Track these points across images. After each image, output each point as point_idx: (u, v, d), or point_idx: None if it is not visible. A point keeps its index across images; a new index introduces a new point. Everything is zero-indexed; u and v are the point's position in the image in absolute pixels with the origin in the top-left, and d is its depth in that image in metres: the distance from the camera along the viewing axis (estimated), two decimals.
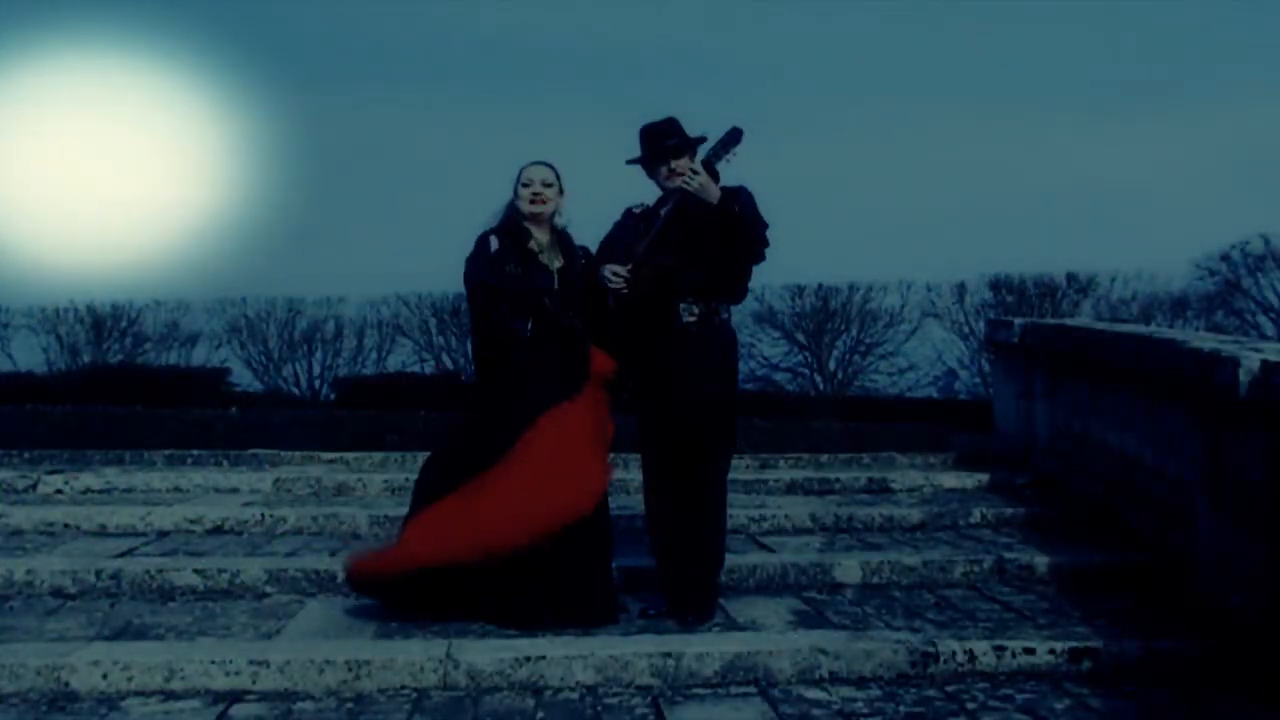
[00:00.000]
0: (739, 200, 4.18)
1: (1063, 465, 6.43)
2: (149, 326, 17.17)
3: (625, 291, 4.21)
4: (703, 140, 4.26)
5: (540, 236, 4.36)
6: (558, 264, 4.35)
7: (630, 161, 4.36)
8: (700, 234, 4.15)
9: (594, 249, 4.48)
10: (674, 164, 4.22)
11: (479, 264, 4.31)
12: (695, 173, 4.10)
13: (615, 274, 4.21)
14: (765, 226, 4.24)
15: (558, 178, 4.39)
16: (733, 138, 4.20)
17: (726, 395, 4.29)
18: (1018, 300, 16.81)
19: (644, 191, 4.45)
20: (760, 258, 4.29)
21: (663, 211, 4.27)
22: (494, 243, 4.31)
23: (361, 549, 4.81)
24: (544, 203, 4.34)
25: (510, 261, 4.28)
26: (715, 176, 4.19)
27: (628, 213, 4.43)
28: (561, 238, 4.42)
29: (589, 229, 4.53)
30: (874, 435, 8.59)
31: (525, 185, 4.34)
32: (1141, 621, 4.28)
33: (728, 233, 4.14)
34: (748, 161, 4.24)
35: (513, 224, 4.36)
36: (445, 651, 3.75)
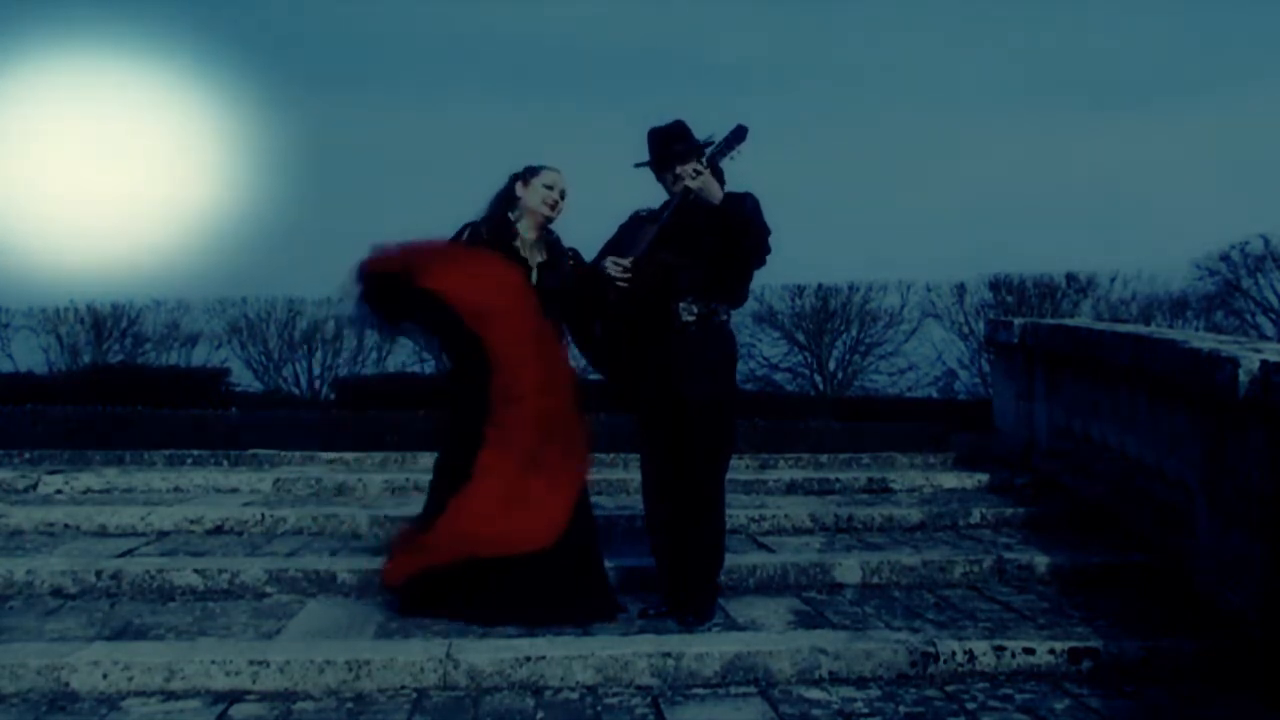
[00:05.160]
0: (743, 205, 4.18)
1: (1063, 465, 6.43)
2: (149, 326, 17.17)
3: (625, 286, 4.21)
4: (710, 144, 4.25)
5: (527, 234, 4.38)
6: (539, 259, 4.37)
7: (638, 165, 4.36)
8: (702, 234, 4.15)
9: (590, 251, 4.48)
10: (679, 168, 4.21)
11: None
12: (699, 172, 4.09)
13: (619, 265, 4.21)
14: (768, 233, 4.23)
15: None
16: (737, 135, 4.20)
17: (725, 395, 4.29)
18: (1018, 300, 16.81)
19: (645, 195, 4.46)
20: (761, 263, 4.29)
21: (666, 209, 4.27)
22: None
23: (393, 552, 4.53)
24: (559, 211, 4.40)
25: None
26: (719, 174, 4.19)
27: (634, 216, 4.43)
28: (548, 237, 4.43)
29: (584, 232, 4.56)
30: (874, 435, 8.59)
31: (549, 188, 4.37)
32: (1141, 621, 4.28)
33: (729, 235, 4.14)
34: (750, 161, 4.24)
35: (501, 218, 4.37)
36: (445, 651, 3.75)
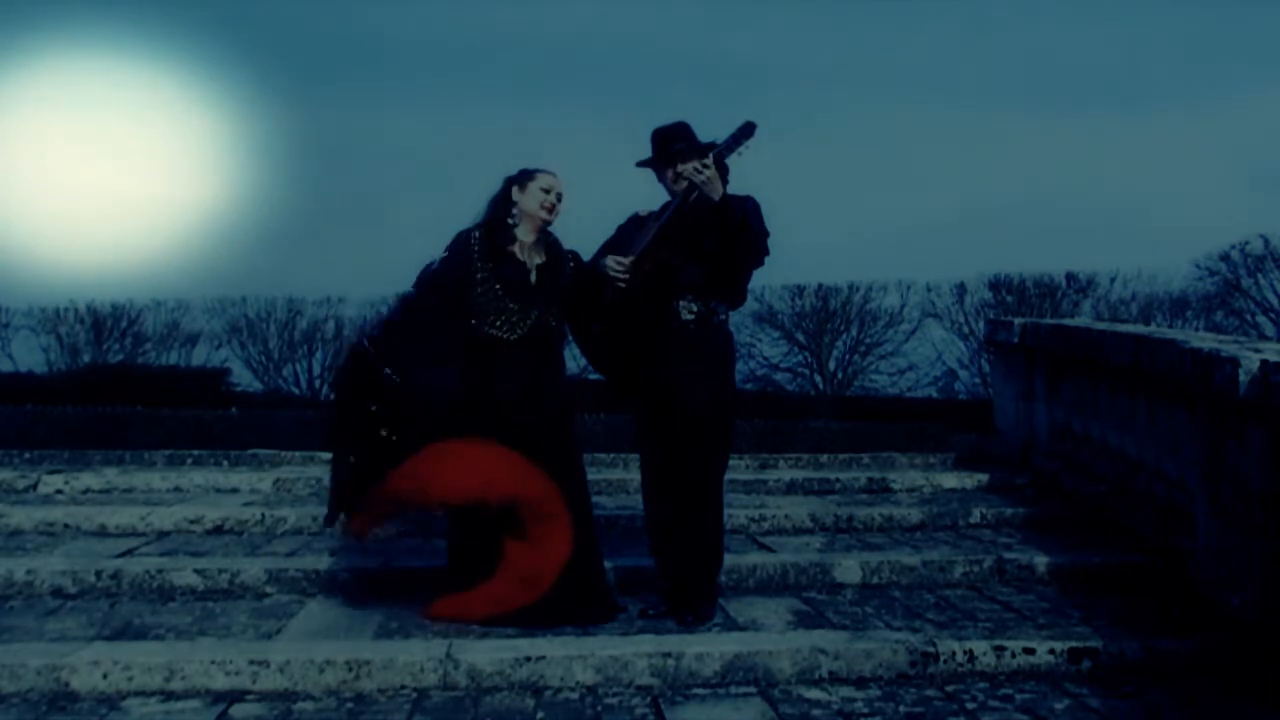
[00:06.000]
0: (744, 207, 4.18)
1: (1063, 465, 6.43)
2: (149, 326, 17.19)
3: (624, 284, 4.21)
4: (712, 146, 4.23)
5: (525, 237, 4.37)
6: (538, 261, 4.36)
7: (640, 164, 4.36)
8: (702, 232, 4.15)
9: (588, 252, 4.48)
10: (680, 166, 4.21)
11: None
12: (706, 166, 4.08)
13: (619, 263, 4.21)
14: (766, 236, 4.23)
15: None
16: (745, 132, 4.18)
17: (723, 395, 4.29)
18: (1018, 300, 16.83)
19: (641, 198, 4.46)
20: (758, 264, 4.29)
21: (667, 209, 4.27)
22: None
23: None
24: (555, 213, 4.39)
25: (485, 261, 4.29)
26: (724, 171, 4.18)
27: (634, 216, 4.44)
28: (548, 239, 4.43)
29: (584, 234, 4.55)
30: (874, 435, 8.60)
31: (546, 191, 4.36)
32: (1141, 621, 4.28)
33: (727, 234, 4.14)
34: (751, 160, 4.24)
35: (498, 222, 4.36)
36: (445, 651, 3.75)
